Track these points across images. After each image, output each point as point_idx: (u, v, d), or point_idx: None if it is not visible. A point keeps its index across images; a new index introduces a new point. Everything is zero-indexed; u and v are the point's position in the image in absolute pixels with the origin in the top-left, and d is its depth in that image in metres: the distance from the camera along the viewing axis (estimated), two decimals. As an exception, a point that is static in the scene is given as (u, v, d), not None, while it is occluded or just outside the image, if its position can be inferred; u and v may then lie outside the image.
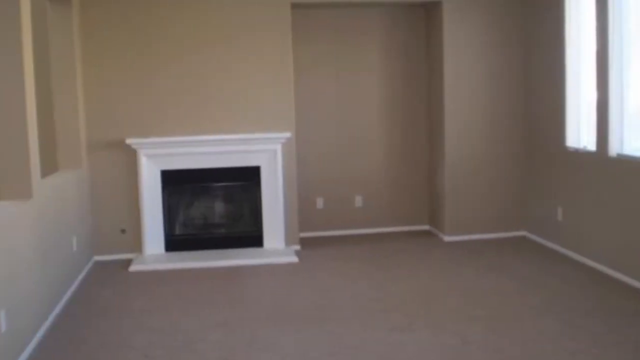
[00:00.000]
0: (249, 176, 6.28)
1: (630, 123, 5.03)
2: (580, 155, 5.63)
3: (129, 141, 5.98)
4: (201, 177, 6.30)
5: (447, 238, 6.56)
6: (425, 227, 7.08)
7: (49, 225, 4.63)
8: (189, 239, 6.37)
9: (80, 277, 5.52)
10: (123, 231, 6.18)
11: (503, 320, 4.27)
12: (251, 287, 5.32)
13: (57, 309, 4.65)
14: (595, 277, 5.16)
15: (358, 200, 6.96)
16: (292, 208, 6.35)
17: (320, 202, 6.89)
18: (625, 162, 5.00)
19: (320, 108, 6.80)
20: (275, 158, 6.20)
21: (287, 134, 6.18)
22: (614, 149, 5.10)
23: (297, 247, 6.35)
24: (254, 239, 6.31)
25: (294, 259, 5.95)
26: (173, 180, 6.21)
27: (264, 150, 6.21)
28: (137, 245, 6.17)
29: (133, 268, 5.79)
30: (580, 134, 5.74)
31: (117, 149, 6.05)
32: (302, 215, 6.59)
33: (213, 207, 6.59)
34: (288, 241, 6.31)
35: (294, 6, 6.24)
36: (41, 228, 4.40)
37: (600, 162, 5.25)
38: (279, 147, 6.19)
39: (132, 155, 6.06)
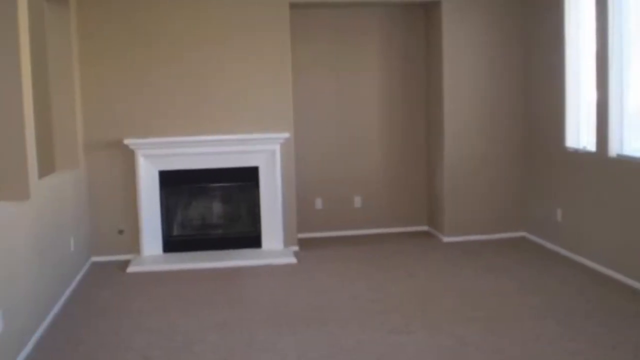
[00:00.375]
0: (248, 177, 6.26)
1: (630, 123, 5.02)
2: (580, 155, 5.61)
3: (126, 141, 5.96)
4: (199, 178, 6.28)
5: (446, 239, 6.55)
6: (424, 228, 7.06)
7: (47, 225, 4.61)
8: (187, 240, 6.35)
9: (78, 277, 5.50)
10: (121, 232, 6.16)
11: (502, 321, 4.26)
12: (250, 288, 5.30)
13: (55, 310, 4.63)
14: (595, 278, 5.15)
15: (357, 201, 6.94)
16: (290, 209, 6.33)
17: (319, 203, 6.87)
18: (625, 163, 4.98)
19: (319, 108, 6.79)
20: (273, 158, 6.18)
21: (286, 134, 6.16)
22: (613, 150, 5.09)
23: (296, 248, 6.33)
24: (252, 240, 6.29)
25: (293, 259, 5.93)
26: (171, 181, 6.19)
27: (263, 150, 6.19)
28: (135, 246, 6.15)
29: (131, 269, 5.77)
30: (580, 134, 5.73)
31: (115, 149, 6.03)
32: (301, 215, 6.57)
33: (211, 208, 6.57)
34: (286, 242, 6.29)
35: (293, 6, 6.23)
36: (39, 228, 4.39)
37: (600, 162, 5.24)
38: (277, 148, 6.18)
39: (130, 156, 6.04)
